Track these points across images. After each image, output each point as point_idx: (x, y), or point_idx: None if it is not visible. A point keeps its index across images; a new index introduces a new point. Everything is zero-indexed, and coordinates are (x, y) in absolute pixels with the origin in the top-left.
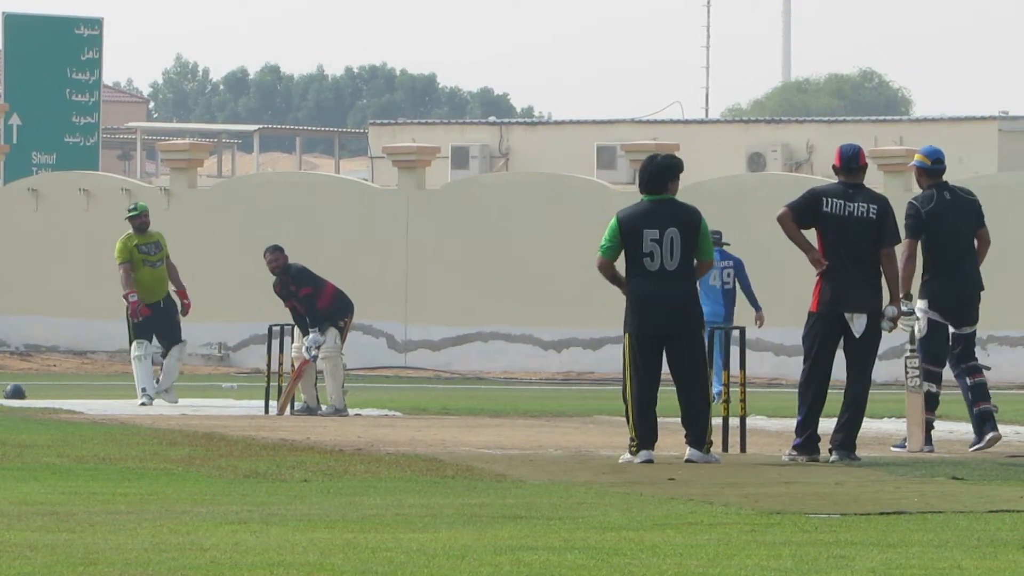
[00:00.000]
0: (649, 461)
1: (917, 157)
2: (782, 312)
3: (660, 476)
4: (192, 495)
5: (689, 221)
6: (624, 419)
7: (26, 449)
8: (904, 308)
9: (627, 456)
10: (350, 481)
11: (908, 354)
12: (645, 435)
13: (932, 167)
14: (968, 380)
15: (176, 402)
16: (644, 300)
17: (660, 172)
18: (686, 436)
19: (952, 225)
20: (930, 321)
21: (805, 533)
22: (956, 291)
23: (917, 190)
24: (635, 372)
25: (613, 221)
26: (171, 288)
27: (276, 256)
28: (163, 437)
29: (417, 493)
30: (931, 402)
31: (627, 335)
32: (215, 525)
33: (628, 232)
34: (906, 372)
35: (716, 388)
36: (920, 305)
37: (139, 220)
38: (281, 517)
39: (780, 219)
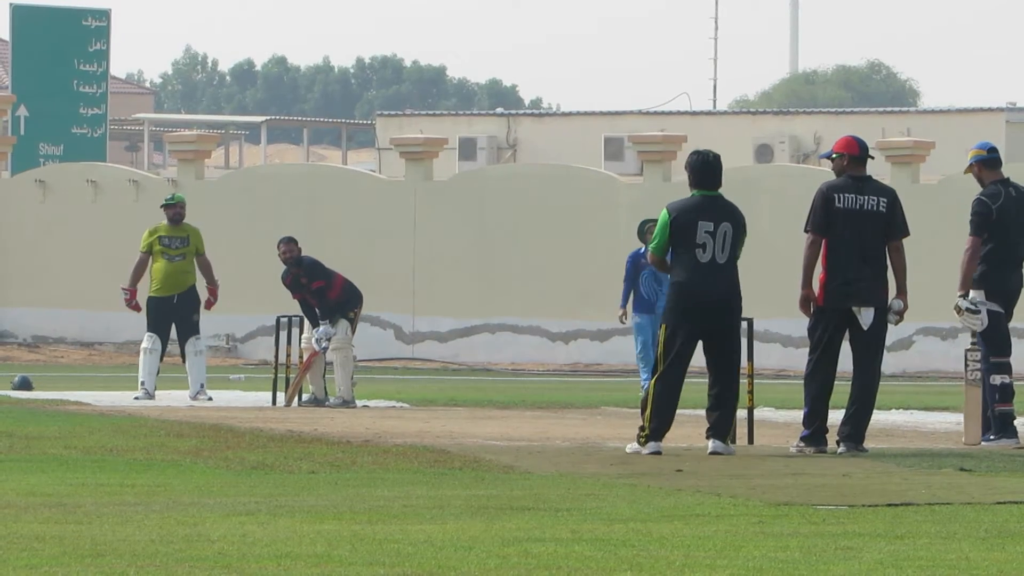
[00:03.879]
0: (657, 453)
1: (973, 152)
2: (789, 304)
3: (668, 467)
4: (199, 487)
5: (739, 219)
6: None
7: (33, 441)
8: (965, 304)
9: (634, 446)
10: (357, 473)
11: (969, 347)
12: (658, 426)
13: (989, 156)
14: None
15: (211, 400)
16: (692, 293)
17: (714, 168)
18: (709, 428)
19: (1016, 221)
20: (989, 312)
21: (813, 525)
22: (1014, 283)
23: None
24: (666, 362)
25: (664, 215)
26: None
27: (290, 247)
28: (170, 429)
29: (425, 485)
30: (1007, 394)
31: (664, 326)
32: (222, 517)
33: (682, 224)
34: (966, 365)
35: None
36: (978, 297)
37: (171, 211)
38: (288, 509)
39: (810, 245)
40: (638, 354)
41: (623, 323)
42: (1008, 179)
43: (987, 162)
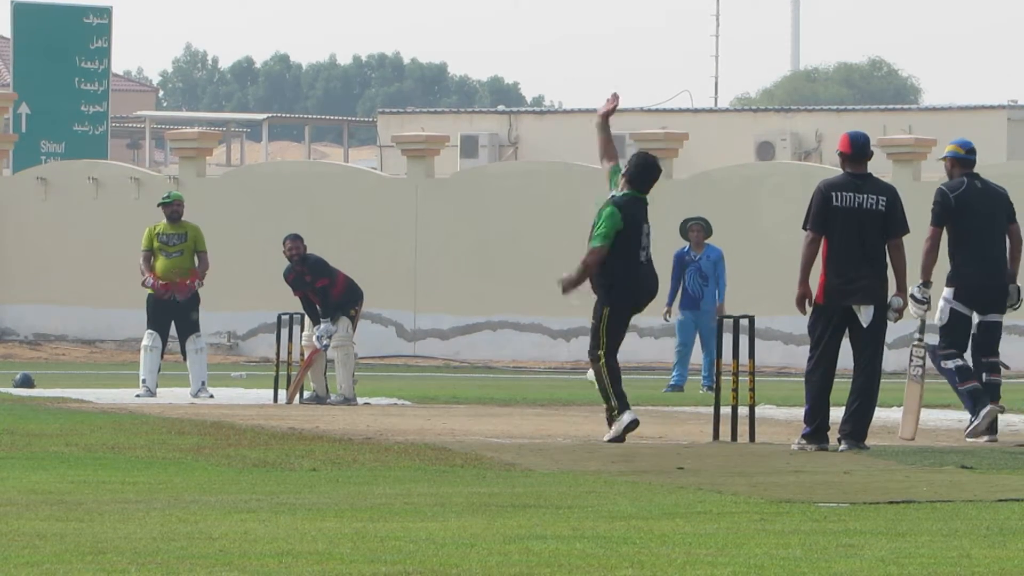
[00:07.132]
0: (634, 421)
1: (950, 148)
2: (790, 301)
3: (669, 465)
4: (201, 484)
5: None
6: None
7: (35, 438)
8: (920, 296)
9: (612, 431)
10: (359, 470)
11: (915, 343)
12: (625, 397)
13: (965, 156)
14: (984, 376)
15: (212, 397)
16: (635, 282)
17: (654, 174)
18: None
19: (981, 214)
20: (952, 311)
21: (814, 522)
22: (983, 276)
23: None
24: (611, 341)
25: (614, 211)
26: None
27: (295, 244)
28: (172, 426)
29: (426, 482)
30: (965, 372)
31: (607, 308)
32: (224, 514)
33: (629, 224)
34: (910, 361)
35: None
36: (945, 294)
37: (169, 208)
38: (290, 506)
39: (809, 243)
40: (676, 348)
41: (667, 320)
42: (977, 173)
43: (962, 161)
